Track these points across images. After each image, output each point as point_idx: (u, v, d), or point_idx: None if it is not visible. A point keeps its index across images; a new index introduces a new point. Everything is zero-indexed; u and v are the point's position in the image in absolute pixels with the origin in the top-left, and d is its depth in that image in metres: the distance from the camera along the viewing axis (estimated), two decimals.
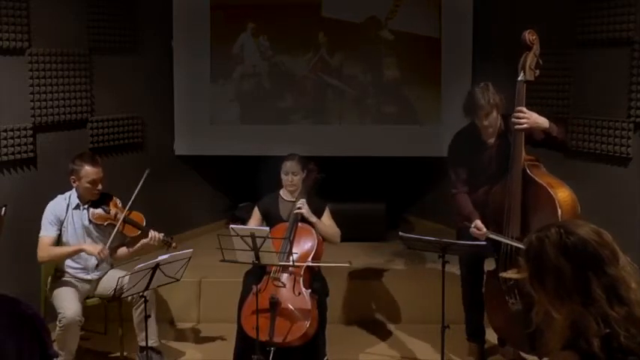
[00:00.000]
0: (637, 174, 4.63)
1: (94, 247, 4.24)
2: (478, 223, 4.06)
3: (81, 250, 4.26)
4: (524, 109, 3.87)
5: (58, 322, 4.11)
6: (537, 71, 3.93)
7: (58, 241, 4.32)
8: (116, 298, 4.31)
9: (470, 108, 4.08)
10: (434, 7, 6.21)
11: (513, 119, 3.88)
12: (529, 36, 3.90)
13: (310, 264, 4.23)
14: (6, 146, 4.67)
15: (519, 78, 3.90)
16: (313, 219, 4.39)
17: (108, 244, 4.26)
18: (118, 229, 4.29)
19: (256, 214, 4.56)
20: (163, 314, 5.12)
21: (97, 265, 4.30)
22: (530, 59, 3.89)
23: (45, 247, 4.24)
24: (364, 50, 6.29)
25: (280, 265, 4.14)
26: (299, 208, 4.33)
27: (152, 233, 4.28)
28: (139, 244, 4.36)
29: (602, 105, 4.86)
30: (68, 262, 4.36)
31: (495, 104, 4.01)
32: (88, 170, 4.26)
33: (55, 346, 4.11)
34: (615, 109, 4.74)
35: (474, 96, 4.03)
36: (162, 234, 4.33)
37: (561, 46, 5.05)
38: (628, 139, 4.65)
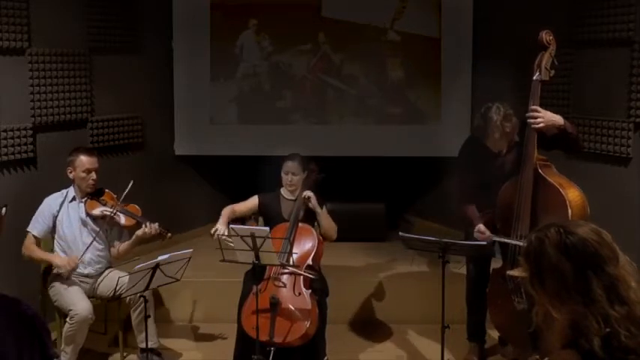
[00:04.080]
0: (637, 174, 4.63)
1: (61, 260, 4.28)
2: (481, 227, 4.06)
3: (50, 262, 4.32)
4: (539, 107, 3.87)
5: (68, 320, 4.14)
6: (552, 71, 3.93)
7: (54, 234, 4.38)
8: (116, 298, 4.32)
9: (481, 129, 4.10)
10: (434, 7, 6.21)
11: (529, 119, 3.87)
12: (546, 36, 3.90)
13: (304, 273, 4.22)
14: (6, 146, 4.68)
15: (535, 77, 3.89)
16: (318, 209, 4.40)
17: (80, 256, 4.29)
18: (114, 221, 4.34)
19: (253, 200, 4.57)
20: (163, 314, 5.12)
21: (68, 276, 4.31)
22: (546, 59, 3.89)
23: (28, 245, 4.34)
24: (364, 50, 6.29)
25: (278, 265, 4.14)
26: (308, 197, 4.34)
27: (147, 224, 4.30)
28: (134, 237, 4.38)
29: (602, 105, 4.86)
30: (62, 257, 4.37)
31: (506, 133, 4.03)
32: (83, 159, 4.31)
33: (62, 343, 4.15)
34: (615, 109, 4.74)
35: (487, 120, 4.03)
36: (157, 223, 4.33)
37: (561, 46, 5.03)
38: (628, 139, 4.65)
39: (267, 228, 4.11)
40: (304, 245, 4.29)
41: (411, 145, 6.29)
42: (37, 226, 4.35)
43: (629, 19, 4.63)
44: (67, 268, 4.25)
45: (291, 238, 4.20)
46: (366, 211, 6.28)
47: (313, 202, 4.38)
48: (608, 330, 1.69)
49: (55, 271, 4.33)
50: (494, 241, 4.11)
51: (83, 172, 4.31)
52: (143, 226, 4.29)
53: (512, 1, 5.62)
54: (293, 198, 4.49)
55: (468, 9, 6.11)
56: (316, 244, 4.29)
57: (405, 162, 6.29)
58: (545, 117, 3.86)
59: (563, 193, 3.74)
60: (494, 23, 5.86)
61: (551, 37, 3.92)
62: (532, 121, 3.85)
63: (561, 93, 5.15)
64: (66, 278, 4.30)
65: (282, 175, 4.49)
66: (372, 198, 6.33)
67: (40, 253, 4.36)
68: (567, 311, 1.75)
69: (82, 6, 5.28)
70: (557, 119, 3.90)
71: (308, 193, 4.37)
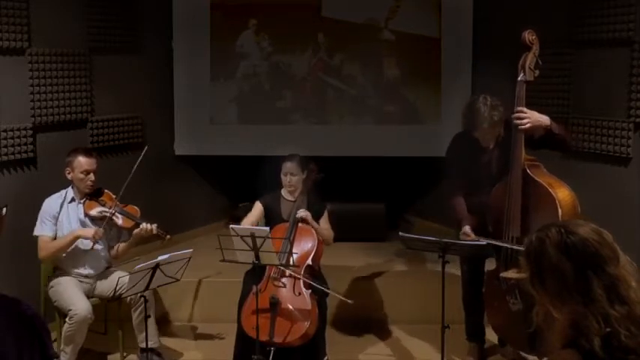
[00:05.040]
0: (637, 174, 4.63)
1: (87, 231, 4.27)
2: (466, 229, 4.07)
3: (77, 237, 4.28)
4: (525, 108, 3.86)
5: (68, 319, 4.13)
6: (537, 71, 3.92)
7: (54, 237, 4.35)
8: (116, 298, 4.32)
9: (469, 121, 4.08)
10: (434, 7, 6.21)
11: (515, 120, 3.87)
12: (528, 36, 3.89)
13: (314, 285, 4.21)
14: (6, 146, 4.68)
15: (519, 78, 3.89)
16: (315, 224, 4.40)
17: (102, 226, 4.28)
18: (112, 222, 4.32)
19: (258, 208, 4.54)
20: (163, 314, 5.12)
21: (92, 246, 4.30)
22: (529, 59, 3.88)
23: (44, 245, 4.29)
24: (364, 50, 6.29)
25: (278, 266, 4.14)
26: (302, 217, 4.33)
27: (144, 224, 4.29)
28: (132, 237, 4.38)
29: (602, 105, 4.86)
30: (64, 258, 4.36)
31: (494, 123, 3.99)
32: (81, 160, 4.31)
33: (62, 343, 4.15)
34: (615, 109, 4.74)
35: (475, 112, 4.00)
36: (155, 224, 4.32)
37: (561, 46, 5.05)
38: (628, 139, 4.65)
39: (267, 228, 4.11)
40: (304, 245, 4.29)
41: (410, 145, 6.29)
42: (46, 227, 4.30)
43: (629, 19, 4.63)
44: (96, 237, 4.23)
45: (291, 238, 4.20)
46: (366, 211, 6.28)
47: (309, 221, 4.37)
48: (608, 330, 1.69)
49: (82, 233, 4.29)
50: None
51: (81, 173, 4.31)
52: (140, 226, 4.30)
53: (512, 1, 5.62)
54: (293, 199, 4.48)
55: (468, 9, 6.11)
56: (316, 244, 4.29)
57: (405, 162, 6.29)
58: (532, 117, 3.86)
59: (552, 192, 3.74)
60: (495, 23, 5.86)
61: (534, 37, 3.91)
62: (518, 122, 3.85)
63: (561, 93, 5.15)
64: (92, 247, 4.28)
65: (282, 176, 4.48)
66: (372, 198, 6.33)
67: (61, 240, 4.29)
68: (568, 311, 1.75)
69: (82, 6, 5.28)
70: (544, 120, 3.89)
71: (302, 213, 4.35)
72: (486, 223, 4.08)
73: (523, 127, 3.84)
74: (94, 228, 4.28)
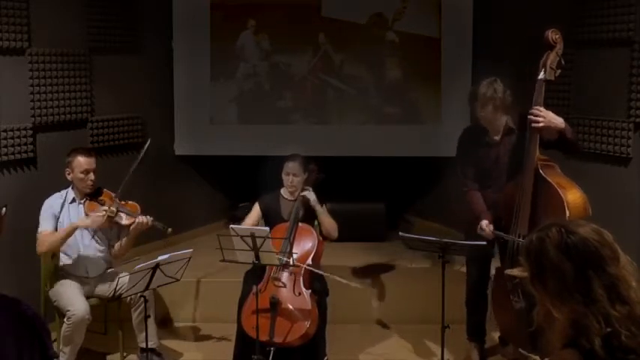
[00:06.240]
0: (637, 174, 4.63)
1: (84, 220, 4.25)
2: (483, 224, 4.05)
3: (75, 228, 4.26)
4: (541, 107, 3.84)
5: (66, 320, 4.13)
6: (558, 71, 3.88)
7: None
8: (116, 298, 4.31)
9: (471, 95, 4.10)
10: (434, 7, 6.21)
11: (530, 117, 3.86)
12: (552, 35, 3.86)
13: (314, 270, 4.22)
14: (6, 146, 4.68)
15: (539, 76, 3.85)
16: (318, 207, 4.39)
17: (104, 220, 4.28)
18: (114, 220, 4.31)
19: (256, 209, 4.55)
20: (163, 314, 5.12)
21: (94, 235, 4.33)
22: (552, 58, 3.84)
23: (43, 238, 4.28)
24: (364, 50, 6.29)
25: (279, 266, 4.14)
26: (306, 195, 4.33)
27: (139, 218, 4.27)
28: (130, 233, 4.37)
29: (602, 105, 4.86)
30: (65, 259, 4.36)
31: (493, 98, 3.99)
32: (81, 160, 4.30)
33: (61, 343, 4.15)
34: (615, 109, 4.74)
35: (478, 85, 4.06)
36: (151, 217, 4.29)
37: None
38: (628, 139, 4.65)
39: (267, 228, 4.11)
40: (304, 245, 4.29)
41: (410, 145, 6.29)
42: (46, 224, 4.29)
43: (629, 19, 4.62)
44: (97, 222, 4.22)
45: (291, 238, 4.20)
46: (366, 211, 6.28)
47: (312, 200, 4.37)
48: (608, 330, 1.69)
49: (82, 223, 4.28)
50: (494, 242, 4.10)
51: (81, 172, 4.30)
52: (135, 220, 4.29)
53: (512, 1, 5.62)
54: (293, 198, 4.49)
55: (468, 9, 6.11)
56: (316, 244, 4.29)
57: (405, 162, 6.29)
58: (547, 117, 3.84)
59: (561, 193, 3.72)
60: (495, 23, 5.86)
61: (557, 36, 3.86)
62: (533, 119, 3.84)
63: (561, 93, 5.15)
64: (93, 237, 4.33)
65: (283, 176, 4.49)
66: (372, 198, 6.33)
67: (59, 232, 4.28)
68: (568, 311, 1.75)
69: (82, 6, 5.28)
70: (559, 122, 3.86)
71: (305, 193, 4.36)
72: (499, 219, 4.06)
73: (537, 125, 3.82)
74: (90, 216, 4.26)
